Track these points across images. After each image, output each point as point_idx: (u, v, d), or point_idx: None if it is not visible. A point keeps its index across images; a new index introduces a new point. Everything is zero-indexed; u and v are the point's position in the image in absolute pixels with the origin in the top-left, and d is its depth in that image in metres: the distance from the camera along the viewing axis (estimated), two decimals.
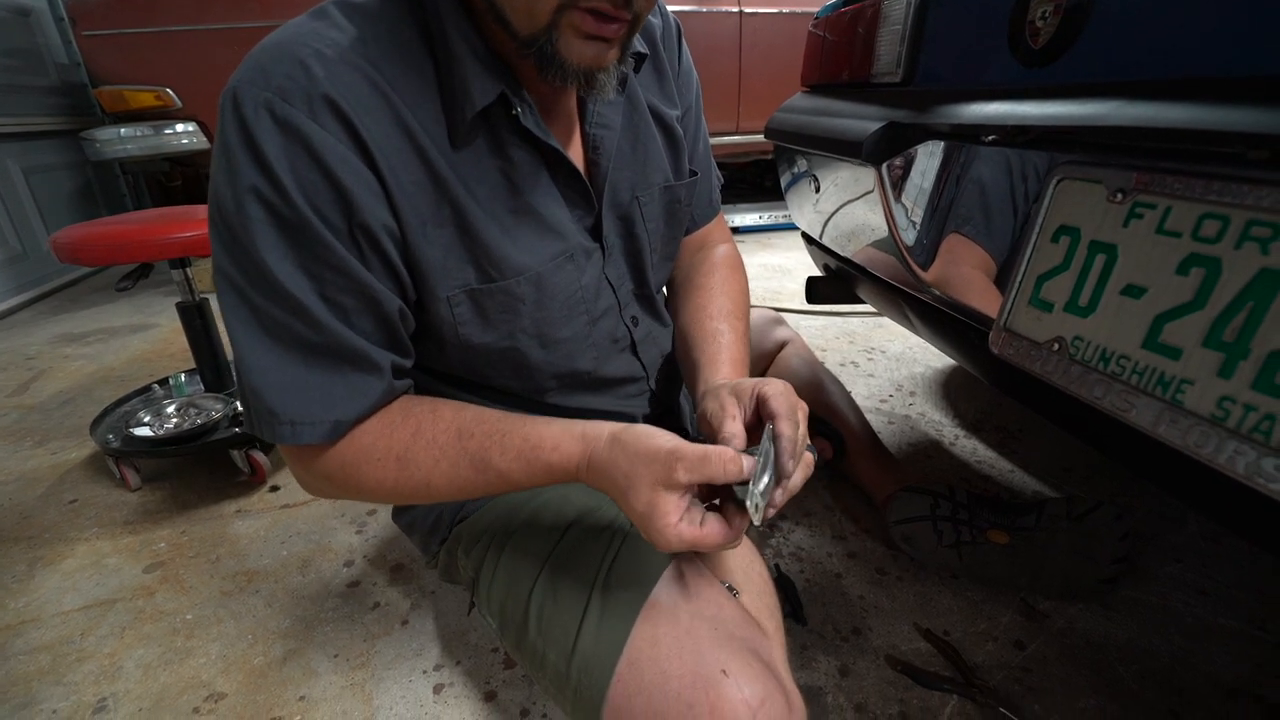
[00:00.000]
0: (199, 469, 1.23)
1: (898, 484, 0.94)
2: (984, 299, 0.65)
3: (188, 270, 1.17)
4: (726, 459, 0.46)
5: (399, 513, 0.76)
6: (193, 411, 1.19)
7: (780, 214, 3.32)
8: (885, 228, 0.80)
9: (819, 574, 0.90)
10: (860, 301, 1.09)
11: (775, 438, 0.48)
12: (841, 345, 1.75)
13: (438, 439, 0.53)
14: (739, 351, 0.70)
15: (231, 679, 0.77)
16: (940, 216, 0.69)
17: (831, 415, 1.05)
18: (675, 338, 0.76)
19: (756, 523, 0.45)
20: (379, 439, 0.53)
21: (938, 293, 0.72)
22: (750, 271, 2.53)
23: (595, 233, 0.63)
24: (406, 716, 0.71)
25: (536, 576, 0.60)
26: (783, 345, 1.19)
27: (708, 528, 0.46)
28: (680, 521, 0.46)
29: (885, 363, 1.62)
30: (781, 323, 1.23)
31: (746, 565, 0.67)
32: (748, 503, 0.45)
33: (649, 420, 0.75)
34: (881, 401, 1.42)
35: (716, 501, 0.50)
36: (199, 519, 1.08)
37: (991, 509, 0.88)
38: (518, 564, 0.62)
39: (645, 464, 0.47)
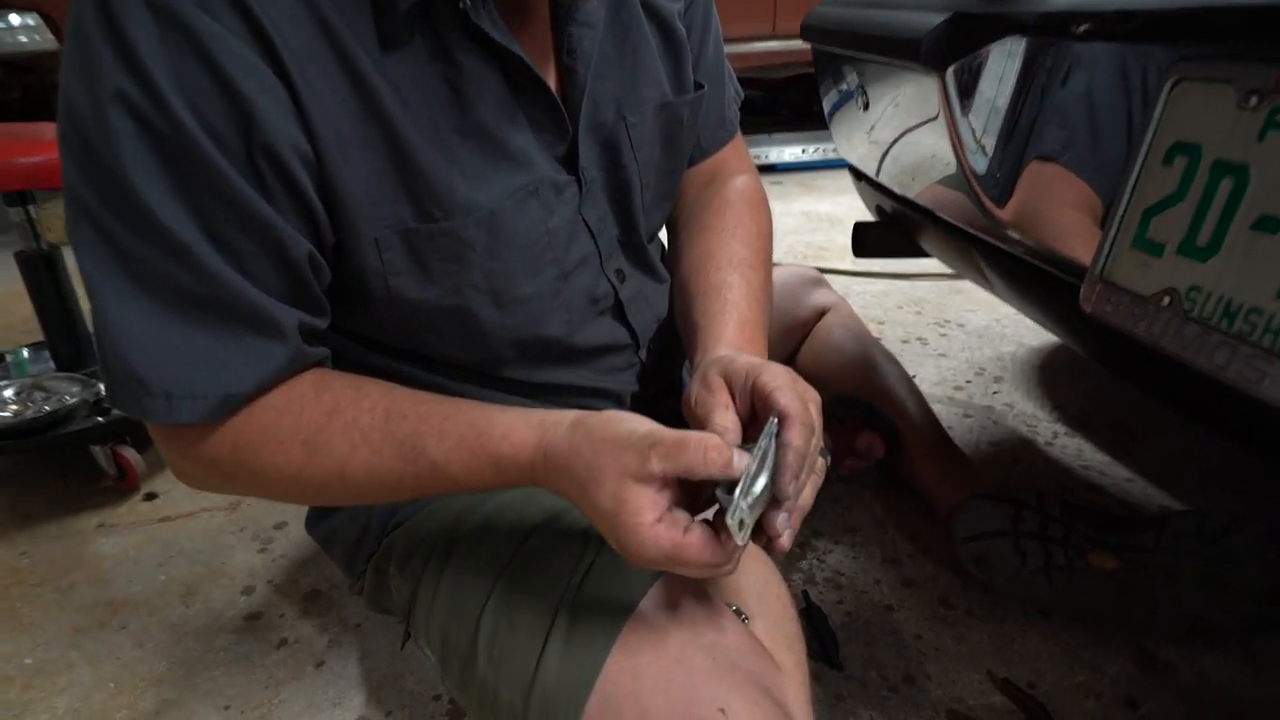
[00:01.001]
0: (48, 471, 1.26)
1: (969, 490, 0.96)
2: (1076, 243, 0.67)
3: (30, 209, 1.18)
4: (709, 445, 0.45)
5: (315, 522, 0.79)
6: (39, 396, 1.22)
7: (829, 148, 3.33)
8: (952, 156, 0.82)
9: (863, 606, 0.92)
10: (921, 253, 1.11)
11: (780, 444, 0.47)
12: (905, 317, 1.77)
13: (359, 420, 0.55)
14: (753, 310, 0.69)
15: None
16: (1019, 137, 0.71)
17: (885, 402, 1.07)
18: (673, 294, 0.77)
19: (739, 542, 0.45)
20: (284, 417, 0.55)
21: (1016, 236, 0.74)
22: (788, 223, 2.56)
23: (569, 163, 0.64)
24: None
25: (489, 594, 0.62)
26: (822, 313, 1.21)
27: (693, 536, 0.46)
28: (659, 522, 0.46)
29: (962, 339, 1.64)
30: (822, 284, 1.25)
31: (762, 586, 0.69)
32: (728, 517, 0.43)
33: (640, 401, 0.77)
34: (955, 389, 1.44)
35: (709, 517, 0.50)
36: (46, 536, 1.11)
37: (1094, 524, 0.90)
38: (465, 579, 0.64)
39: (612, 451, 0.48)
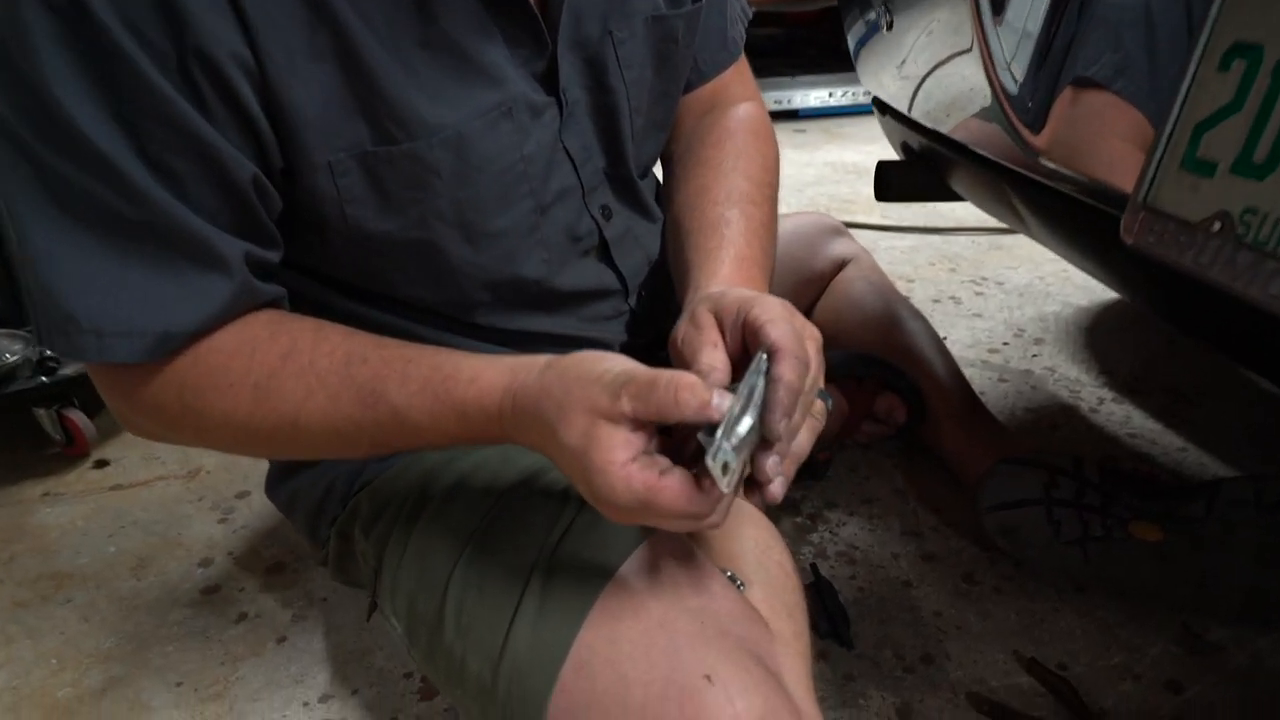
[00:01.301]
0: None
1: (998, 456, 0.95)
2: (1117, 169, 0.65)
3: None
4: (681, 385, 0.43)
5: (276, 485, 0.79)
6: None
7: (858, 91, 3.28)
8: (985, 83, 0.80)
9: (878, 581, 0.92)
10: (950, 196, 1.09)
11: (770, 380, 0.46)
12: (938, 274, 1.75)
13: (316, 364, 0.54)
14: (752, 248, 0.67)
15: (23, 718, 0.81)
16: (1056, 54, 0.69)
17: (909, 362, 1.06)
18: (666, 233, 0.76)
19: (723, 488, 0.43)
20: (234, 360, 0.54)
21: (1052, 165, 0.72)
22: (809, 174, 2.54)
23: (549, 83, 0.63)
24: None
25: (458, 558, 0.62)
26: (841, 264, 1.20)
27: (669, 479, 0.44)
28: (632, 463, 0.45)
29: (1001, 299, 1.63)
30: (842, 233, 1.23)
31: (761, 551, 0.69)
32: (709, 458, 0.42)
33: (630, 351, 0.77)
34: (991, 351, 1.43)
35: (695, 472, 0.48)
36: None
37: (1138, 492, 0.90)
38: (434, 542, 0.64)
39: (584, 387, 0.47)
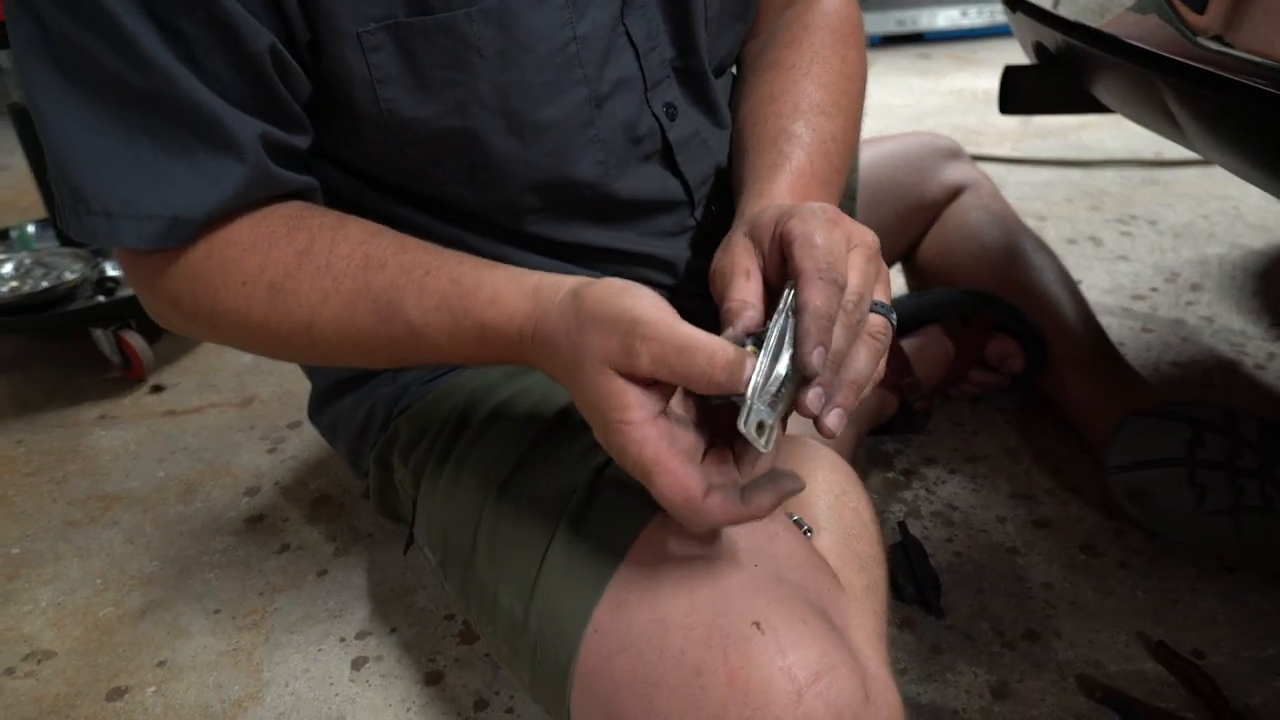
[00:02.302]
0: (48, 356, 1.34)
1: (1132, 410, 0.88)
2: None
3: None
4: (715, 357, 0.40)
5: (318, 409, 0.80)
6: (39, 271, 1.29)
7: (995, 9, 3.10)
8: None
9: (979, 547, 0.87)
10: (1089, 106, 1.00)
11: (795, 310, 0.42)
12: (1076, 212, 1.64)
13: (333, 266, 0.53)
14: (816, 163, 0.63)
15: (65, 634, 0.85)
16: None
17: (1030, 302, 1.00)
18: (731, 142, 0.72)
19: (763, 448, 0.41)
20: (249, 255, 0.54)
21: (1219, 47, 0.65)
22: (931, 103, 2.44)
23: None
24: (308, 698, 0.76)
25: (495, 486, 0.61)
26: (957, 192, 1.13)
27: (674, 463, 0.41)
28: (647, 424, 0.42)
29: (1152, 239, 1.51)
30: (959, 156, 1.17)
31: (835, 497, 0.65)
32: (741, 423, 0.39)
33: (694, 274, 0.74)
34: (1136, 298, 1.33)
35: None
36: (44, 424, 1.18)
37: None
38: (471, 471, 0.63)
39: (597, 328, 0.43)
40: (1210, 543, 0.82)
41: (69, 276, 1.26)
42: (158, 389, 1.26)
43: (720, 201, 0.74)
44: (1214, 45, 0.66)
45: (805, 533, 0.62)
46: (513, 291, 0.50)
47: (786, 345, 0.42)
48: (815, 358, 0.41)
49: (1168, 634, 0.77)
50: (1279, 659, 0.75)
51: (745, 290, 0.46)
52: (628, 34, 0.62)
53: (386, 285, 0.52)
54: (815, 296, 0.42)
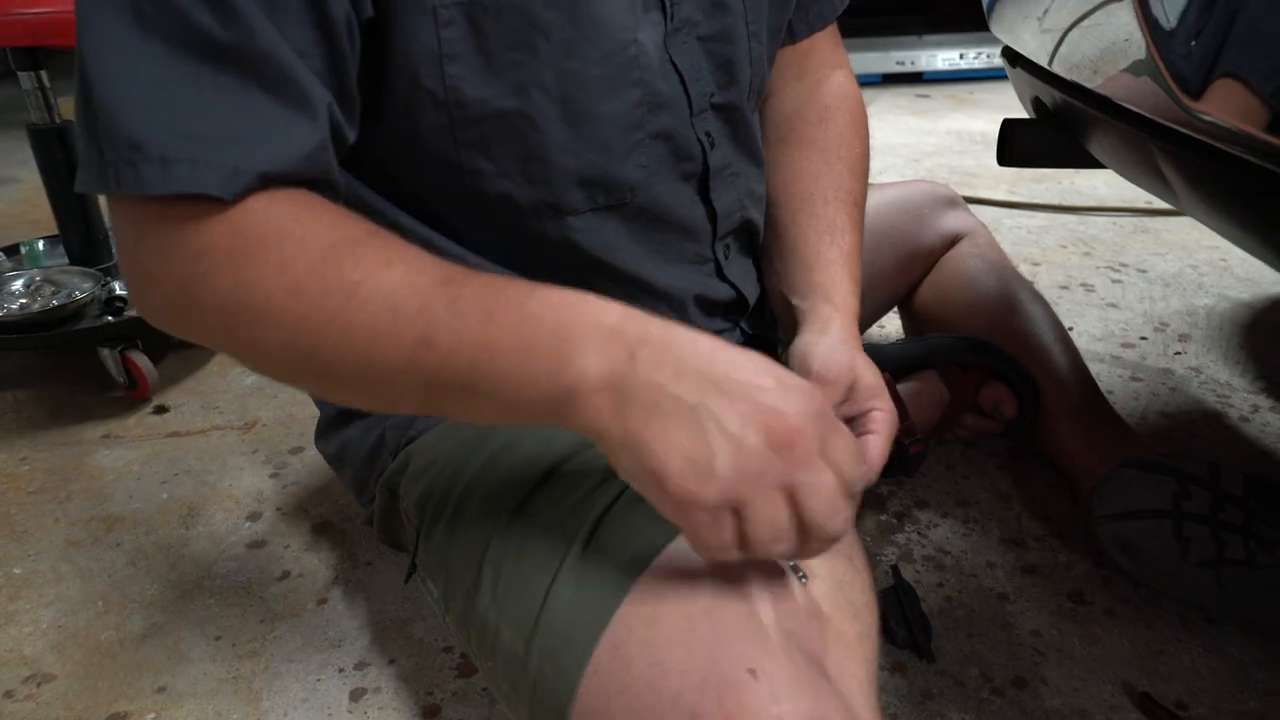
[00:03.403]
0: (55, 374, 1.35)
1: (1121, 460, 0.90)
2: None
3: (43, 75, 1.25)
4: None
5: (327, 433, 0.81)
6: (48, 289, 1.30)
7: (994, 54, 3.15)
8: (1137, 28, 0.75)
9: (969, 592, 0.88)
10: (1085, 162, 1.03)
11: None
12: (1068, 258, 1.67)
13: (399, 246, 0.51)
14: (859, 265, 0.75)
15: (66, 657, 0.85)
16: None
17: (1024, 350, 1.02)
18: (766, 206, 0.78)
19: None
20: (319, 218, 0.51)
21: (1209, 117, 0.67)
22: (929, 143, 2.47)
23: None
24: None
25: (500, 522, 0.62)
26: (954, 240, 1.16)
27: None
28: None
29: (1141, 288, 1.54)
30: (957, 205, 1.19)
31: None
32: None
33: (704, 307, 0.77)
34: (1125, 345, 1.35)
35: None
36: (48, 442, 1.19)
37: None
38: (477, 505, 0.64)
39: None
40: (1194, 594, 0.83)
41: (78, 295, 1.28)
42: (162, 409, 1.27)
43: (741, 244, 0.78)
44: (1204, 113, 0.68)
45: (801, 579, 0.63)
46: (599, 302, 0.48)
47: None
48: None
49: (1152, 684, 0.78)
50: (1260, 713, 0.76)
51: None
52: (674, 63, 0.65)
53: (453, 269, 0.50)
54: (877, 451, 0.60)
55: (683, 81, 0.66)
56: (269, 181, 0.50)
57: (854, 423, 0.63)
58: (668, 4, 0.64)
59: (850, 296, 0.72)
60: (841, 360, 0.64)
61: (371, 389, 0.53)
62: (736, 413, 0.43)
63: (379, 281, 0.48)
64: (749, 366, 0.46)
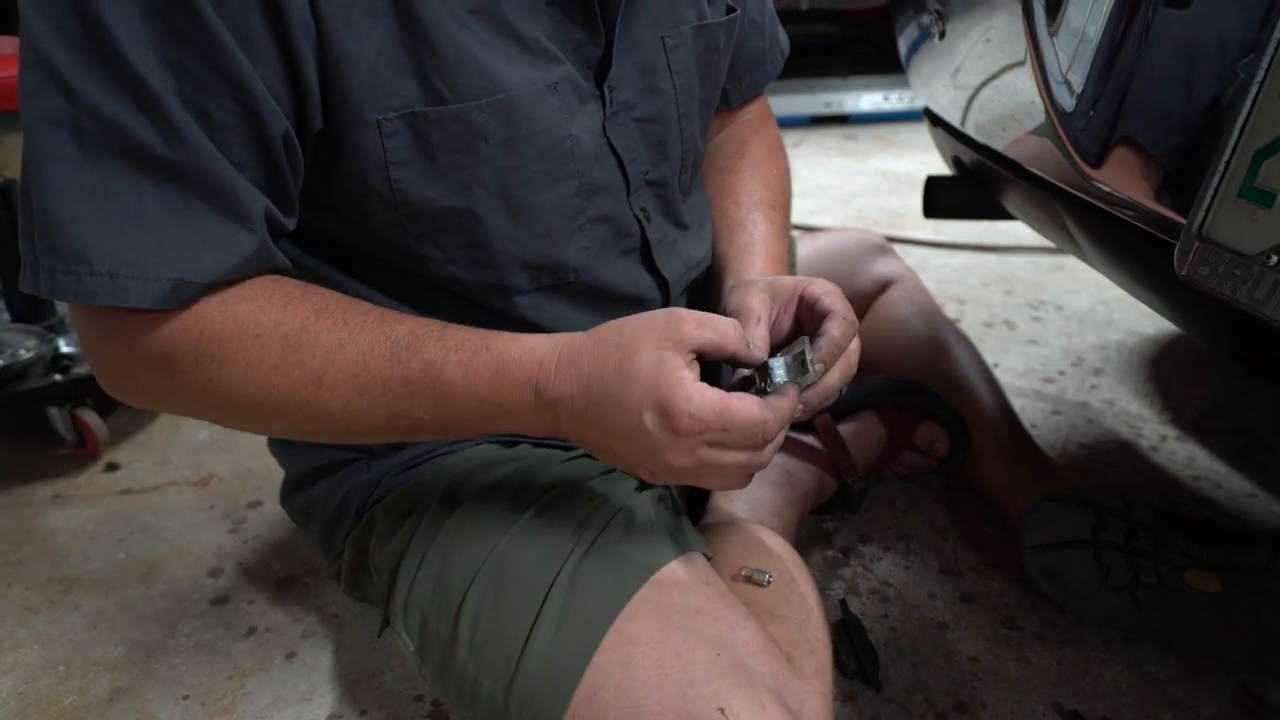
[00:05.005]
0: (1, 434, 1.33)
1: (1046, 494, 0.96)
2: (1175, 197, 0.67)
3: None
4: (741, 330, 0.57)
5: (291, 495, 0.83)
6: None
7: (914, 97, 3.26)
8: (1039, 96, 0.82)
9: (912, 622, 0.94)
10: (1001, 215, 1.11)
11: (819, 335, 0.59)
12: (991, 296, 1.76)
13: (350, 321, 0.57)
14: (777, 247, 0.80)
15: None
16: (1114, 68, 0.71)
17: (954, 391, 1.08)
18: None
19: (780, 377, 0.57)
20: (266, 310, 0.56)
21: (1107, 188, 0.74)
22: (858, 184, 2.56)
23: (599, 76, 0.67)
24: None
25: (475, 574, 0.65)
26: (885, 285, 1.22)
27: (737, 397, 0.53)
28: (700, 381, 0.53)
29: (1060, 324, 1.63)
30: (887, 252, 1.26)
31: (786, 583, 0.72)
32: (770, 381, 0.57)
33: None
34: (1045, 380, 1.43)
35: None
36: None
37: (1194, 537, 0.90)
38: (451, 558, 0.67)
39: (646, 324, 0.55)
40: (1113, 617, 0.89)
41: (24, 354, 1.26)
42: (113, 467, 1.26)
43: (694, 299, 0.83)
44: (1102, 183, 0.75)
45: (767, 580, 0.70)
46: (533, 338, 0.58)
47: (788, 367, 0.57)
48: (820, 366, 0.58)
49: (1080, 703, 0.84)
50: None
51: (759, 332, 0.61)
52: (610, 144, 0.69)
53: (407, 334, 0.57)
54: (836, 329, 0.60)
55: (620, 164, 0.70)
56: (215, 287, 0.55)
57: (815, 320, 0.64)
58: (606, 92, 0.67)
59: (761, 257, 0.79)
60: (747, 296, 0.65)
61: (360, 439, 0.64)
62: (625, 448, 0.56)
63: (340, 365, 0.56)
64: (630, 414, 0.54)
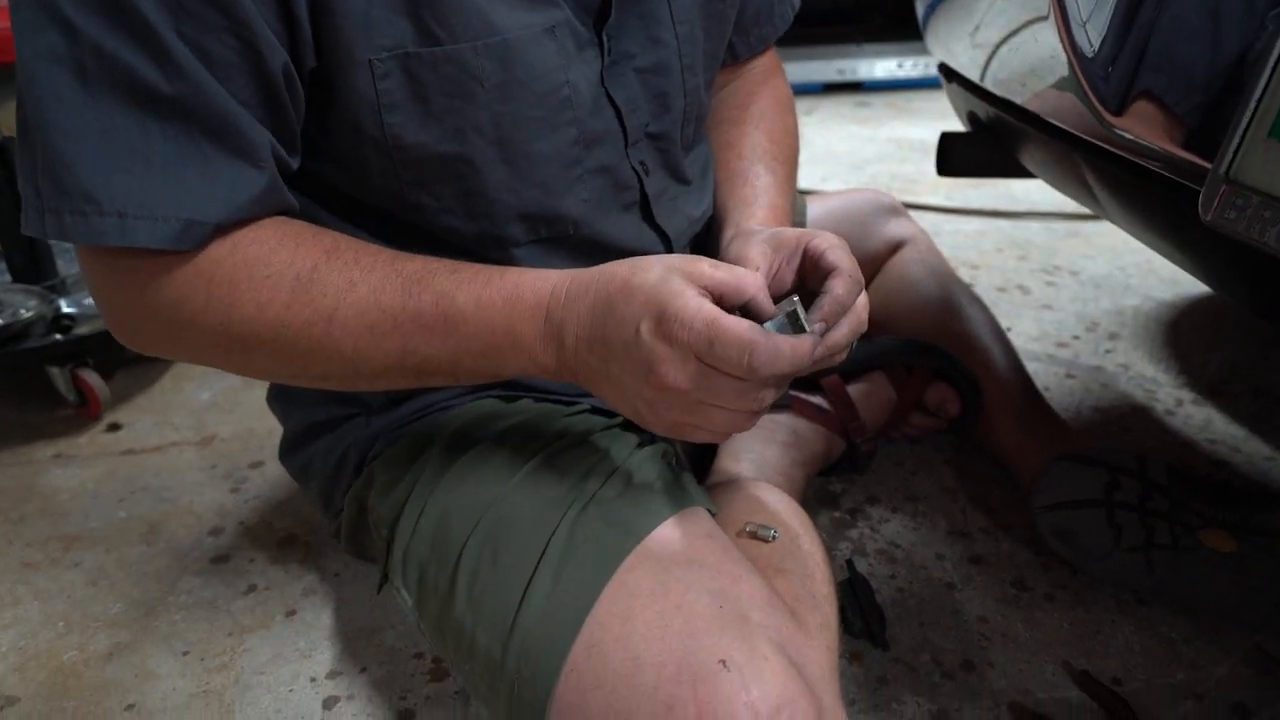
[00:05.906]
0: (3, 394, 1.33)
1: (1058, 454, 0.95)
2: (1201, 140, 0.65)
3: None
4: (762, 280, 0.56)
5: (290, 452, 0.82)
6: None
7: (931, 63, 3.23)
8: (1060, 43, 0.79)
9: (920, 582, 0.93)
10: (1017, 172, 1.08)
11: (823, 292, 0.56)
12: (1005, 261, 1.74)
13: (361, 259, 0.56)
14: (782, 198, 0.77)
15: (28, 679, 0.85)
16: (1141, 13, 0.68)
17: (966, 352, 1.06)
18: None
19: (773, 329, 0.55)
20: (277, 251, 0.55)
21: (1128, 135, 0.72)
22: (870, 151, 2.53)
23: (598, 23, 0.65)
24: None
25: (475, 524, 0.64)
26: (897, 246, 1.20)
27: (732, 317, 0.50)
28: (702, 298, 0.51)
29: (1074, 289, 1.61)
30: (899, 213, 1.24)
31: (792, 539, 0.70)
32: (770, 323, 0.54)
33: None
34: (1060, 345, 1.41)
35: None
36: None
37: (1209, 497, 0.89)
38: (450, 513, 0.66)
39: (660, 256, 0.55)
40: (1126, 577, 0.88)
41: (24, 314, 1.25)
42: (115, 427, 1.25)
43: (697, 252, 0.80)
44: (1125, 131, 0.73)
45: (772, 536, 0.69)
46: (546, 270, 0.58)
47: (781, 328, 0.54)
48: (821, 325, 0.55)
49: (1090, 663, 0.83)
50: (1188, 684, 0.81)
51: (756, 276, 0.57)
52: (609, 97, 0.67)
53: (418, 269, 0.57)
54: (840, 287, 0.56)
55: (619, 115, 0.68)
56: (225, 228, 0.54)
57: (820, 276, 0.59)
58: (605, 39, 0.65)
59: (763, 209, 0.76)
60: (746, 247, 0.62)
61: (368, 383, 0.61)
62: (620, 368, 0.54)
63: (350, 306, 0.55)
64: (627, 327, 0.53)
